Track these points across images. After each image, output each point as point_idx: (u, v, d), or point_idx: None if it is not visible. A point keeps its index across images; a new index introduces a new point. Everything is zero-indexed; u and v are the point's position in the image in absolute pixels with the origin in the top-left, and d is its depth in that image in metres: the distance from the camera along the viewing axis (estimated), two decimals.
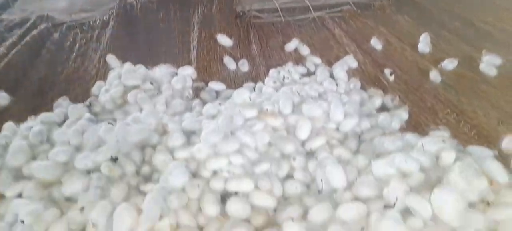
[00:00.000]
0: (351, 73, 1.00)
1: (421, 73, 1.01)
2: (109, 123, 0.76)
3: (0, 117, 0.84)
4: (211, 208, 0.58)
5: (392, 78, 0.99)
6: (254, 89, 0.92)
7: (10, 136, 0.75)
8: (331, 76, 0.96)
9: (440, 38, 1.17)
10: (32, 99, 0.94)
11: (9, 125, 0.78)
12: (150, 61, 1.01)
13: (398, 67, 1.04)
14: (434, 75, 0.98)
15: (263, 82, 0.95)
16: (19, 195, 0.63)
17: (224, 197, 0.61)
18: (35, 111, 0.83)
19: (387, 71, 1.01)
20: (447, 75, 0.99)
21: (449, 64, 1.02)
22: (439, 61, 1.04)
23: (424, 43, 1.12)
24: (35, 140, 0.73)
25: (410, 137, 0.68)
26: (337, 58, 1.06)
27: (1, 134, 0.76)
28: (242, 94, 0.82)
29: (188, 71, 0.99)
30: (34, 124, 0.77)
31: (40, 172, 0.65)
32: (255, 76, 1.04)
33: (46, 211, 0.57)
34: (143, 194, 0.59)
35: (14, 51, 1.13)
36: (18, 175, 0.67)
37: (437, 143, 0.62)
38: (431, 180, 0.57)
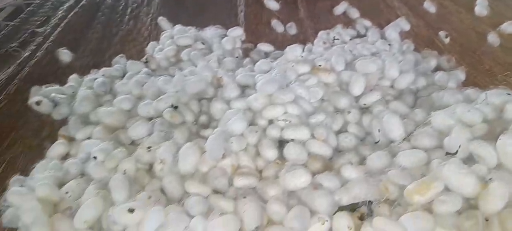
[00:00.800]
0: (403, 35, 0.97)
1: (478, 36, 0.98)
2: (166, 76, 0.79)
3: (64, 71, 0.90)
4: (270, 152, 0.60)
5: (447, 41, 0.96)
6: (304, 50, 0.92)
7: (76, 87, 0.80)
8: (383, 38, 0.94)
9: (498, 1, 1.11)
10: (91, 56, 1.00)
11: (74, 77, 0.84)
12: (199, 25, 1.03)
13: (453, 30, 1.00)
14: (492, 38, 0.94)
15: (312, 44, 0.95)
16: (88, 138, 0.68)
17: (281, 144, 0.63)
18: (96, 67, 0.88)
19: (441, 33, 0.98)
20: (506, 38, 0.95)
21: (509, 27, 0.97)
22: (497, 24, 0.99)
23: (481, 6, 1.07)
24: (99, 90, 0.77)
25: (470, 91, 0.66)
26: (388, 21, 1.04)
27: (68, 84, 0.82)
28: (294, 50, 0.82)
29: (237, 33, 1.01)
30: (97, 76, 0.82)
31: (106, 117, 0.69)
32: (303, 39, 1.03)
33: (115, 149, 0.61)
34: (204, 138, 0.62)
35: (72, 13, 1.19)
36: (86, 121, 0.72)
37: (502, 95, 0.60)
38: (495, 131, 0.55)
